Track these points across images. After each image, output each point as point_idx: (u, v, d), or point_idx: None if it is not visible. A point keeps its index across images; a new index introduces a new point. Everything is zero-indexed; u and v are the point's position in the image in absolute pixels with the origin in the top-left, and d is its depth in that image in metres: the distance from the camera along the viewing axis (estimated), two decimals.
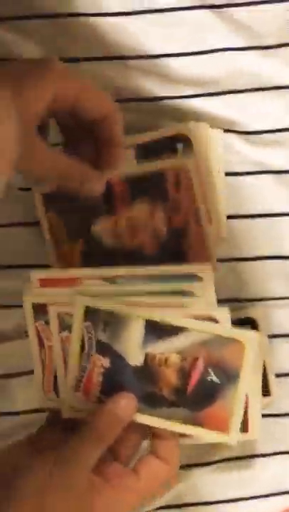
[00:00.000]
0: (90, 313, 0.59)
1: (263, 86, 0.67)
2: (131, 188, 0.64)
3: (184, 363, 0.59)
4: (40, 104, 0.55)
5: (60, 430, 0.61)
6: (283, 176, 0.68)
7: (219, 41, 0.66)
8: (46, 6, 0.65)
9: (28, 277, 0.62)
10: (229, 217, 0.68)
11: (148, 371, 0.59)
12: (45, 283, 0.62)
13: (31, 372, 0.67)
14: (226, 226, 0.67)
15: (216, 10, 0.66)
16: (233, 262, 0.68)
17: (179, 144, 0.65)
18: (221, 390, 0.59)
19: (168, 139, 0.65)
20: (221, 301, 0.68)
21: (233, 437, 0.59)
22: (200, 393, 0.59)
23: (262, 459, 0.69)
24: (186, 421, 0.59)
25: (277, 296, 0.69)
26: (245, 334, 0.59)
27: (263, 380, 0.67)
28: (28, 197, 0.68)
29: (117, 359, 0.59)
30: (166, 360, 0.59)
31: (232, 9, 0.66)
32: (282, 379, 0.69)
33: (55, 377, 0.62)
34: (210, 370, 0.59)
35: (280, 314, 0.69)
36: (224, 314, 0.59)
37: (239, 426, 0.59)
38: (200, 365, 0.58)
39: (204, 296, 0.59)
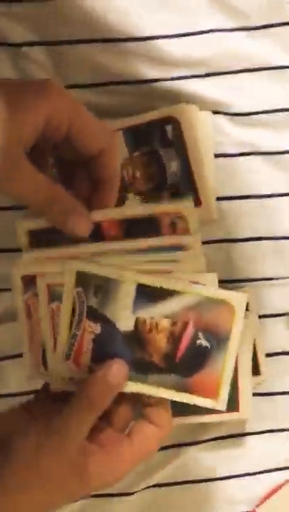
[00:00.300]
0: (81, 278, 0.59)
1: (252, 67, 0.68)
2: (123, 231, 0.61)
3: (174, 328, 0.59)
4: (33, 124, 0.54)
5: (51, 401, 0.61)
6: (273, 156, 0.69)
7: (208, 22, 0.66)
8: None
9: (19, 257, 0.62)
10: (219, 198, 0.68)
11: (138, 337, 0.59)
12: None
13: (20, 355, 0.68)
14: (216, 207, 0.67)
15: None
16: (223, 243, 0.69)
17: (167, 126, 0.65)
18: (210, 354, 0.59)
19: (158, 121, 0.66)
20: None
21: (221, 403, 0.60)
22: (190, 358, 0.59)
23: (252, 436, 0.70)
24: (175, 387, 0.59)
25: (268, 276, 0.69)
26: (234, 296, 0.59)
27: (253, 359, 0.68)
28: None
29: (108, 325, 0.59)
30: (156, 325, 0.59)
31: None
32: (272, 358, 0.70)
33: (44, 351, 0.62)
34: (200, 334, 0.59)
35: (270, 294, 0.69)
36: (213, 279, 0.59)
37: (228, 390, 0.60)
38: (190, 329, 0.59)
39: (192, 264, 0.59)
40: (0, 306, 0.69)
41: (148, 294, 0.59)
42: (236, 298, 0.59)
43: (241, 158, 0.69)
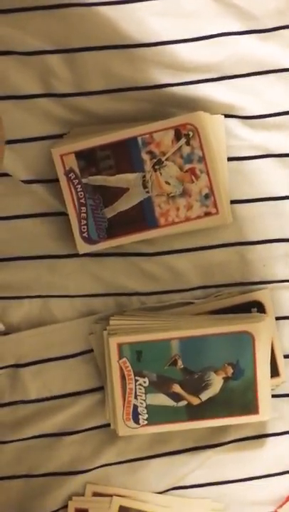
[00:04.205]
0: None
1: (262, 70, 0.68)
2: None
3: None
4: None
5: None
6: (285, 159, 0.69)
7: (219, 26, 0.67)
8: None
9: None
10: (233, 201, 0.68)
11: None
12: None
13: (41, 361, 0.69)
14: (231, 211, 0.68)
15: None
16: (238, 246, 0.69)
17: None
18: None
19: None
20: (227, 286, 0.69)
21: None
22: None
23: (273, 438, 0.70)
24: None
25: (284, 278, 0.69)
26: None
27: (271, 361, 0.68)
28: (33, 189, 0.68)
29: None
30: None
31: None
32: None
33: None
34: None
35: (286, 296, 0.70)
36: None
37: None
38: None
39: None
40: (19, 314, 0.70)
41: None
42: None
43: (253, 161, 0.69)
